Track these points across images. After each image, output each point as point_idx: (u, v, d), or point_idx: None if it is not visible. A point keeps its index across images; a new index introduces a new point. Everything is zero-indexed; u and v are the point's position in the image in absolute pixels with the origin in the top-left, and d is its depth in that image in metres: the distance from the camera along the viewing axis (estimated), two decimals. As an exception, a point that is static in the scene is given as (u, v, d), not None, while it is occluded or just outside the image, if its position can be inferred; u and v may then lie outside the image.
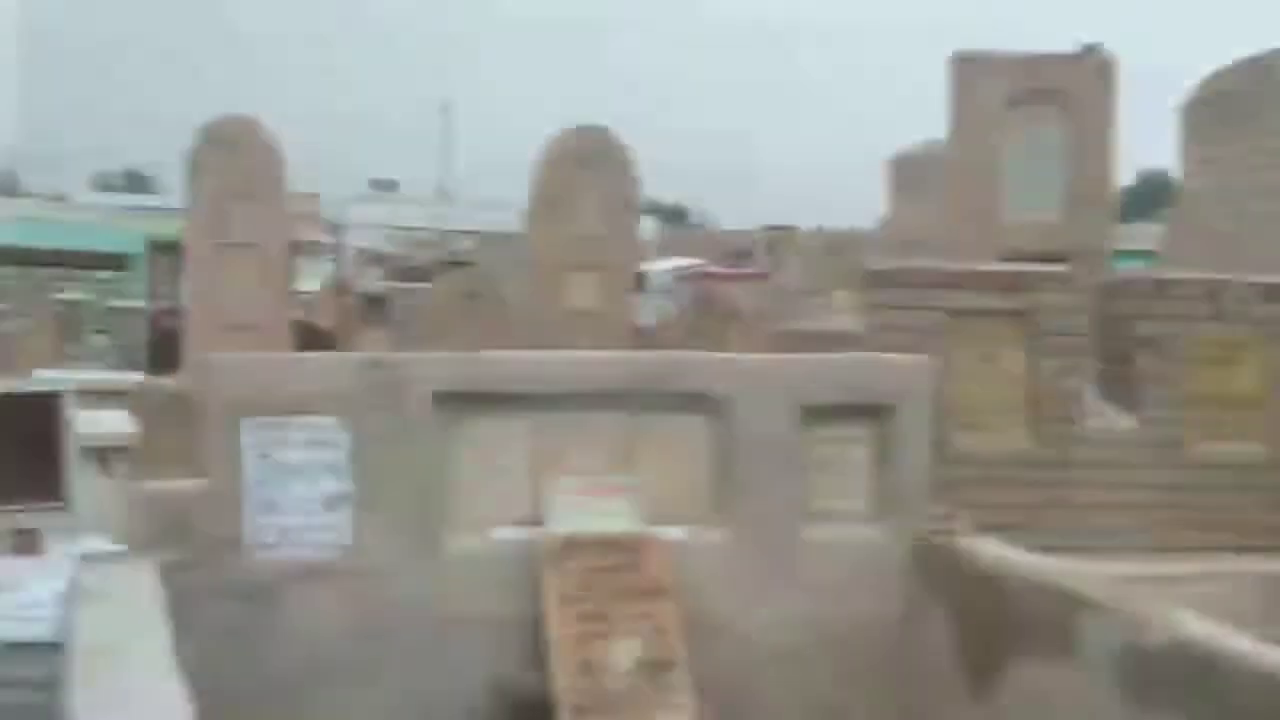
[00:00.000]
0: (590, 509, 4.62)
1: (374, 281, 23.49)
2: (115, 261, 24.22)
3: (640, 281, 18.42)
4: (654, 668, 4.48)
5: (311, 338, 16.40)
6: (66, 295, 23.87)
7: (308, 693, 4.36)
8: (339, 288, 20.25)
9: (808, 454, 4.83)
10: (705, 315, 16.57)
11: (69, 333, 19.80)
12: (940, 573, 4.75)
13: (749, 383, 4.77)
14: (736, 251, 25.94)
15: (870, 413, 4.88)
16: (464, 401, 4.58)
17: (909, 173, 15.73)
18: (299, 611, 4.38)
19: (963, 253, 9.29)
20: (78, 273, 25.97)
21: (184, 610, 4.04)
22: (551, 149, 14.65)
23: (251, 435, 4.42)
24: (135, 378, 12.07)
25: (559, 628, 4.46)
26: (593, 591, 4.52)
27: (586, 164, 14.53)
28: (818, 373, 4.86)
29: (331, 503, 4.49)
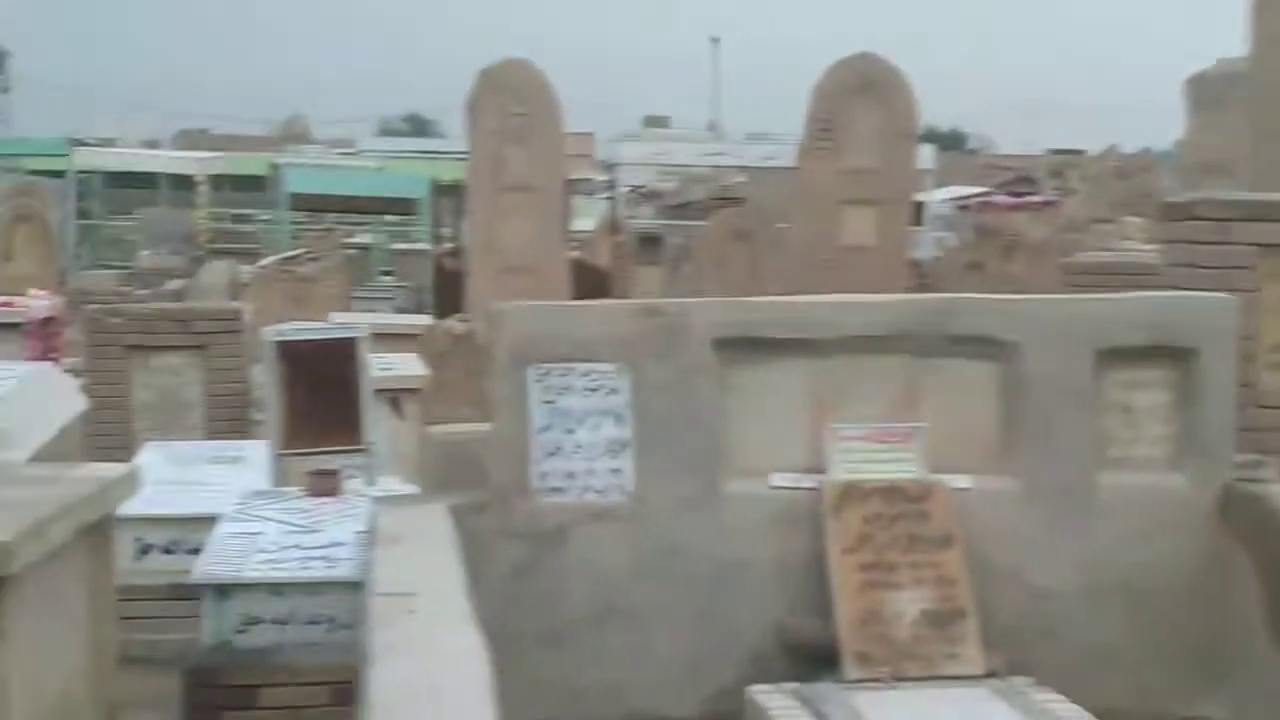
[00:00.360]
0: (872, 455, 4.54)
1: (647, 219, 23.69)
2: (401, 205, 25.08)
3: (918, 213, 18.04)
4: (941, 618, 4.39)
5: (587, 277, 16.66)
6: (355, 239, 24.91)
7: (594, 634, 4.43)
8: (613, 227, 20.49)
9: (1102, 398, 4.63)
10: (987, 247, 16.11)
11: (357, 276, 20.63)
12: (1247, 522, 4.50)
13: (1039, 325, 4.60)
14: (1019, 178, 25.11)
15: (1171, 355, 4.64)
16: (743, 346, 4.55)
17: (1208, 93, 14.87)
18: (585, 555, 4.45)
19: (1266, 177, 8.75)
20: (366, 217, 27.06)
21: (475, 552, 4.15)
22: (826, 79, 14.40)
23: (536, 382, 4.49)
24: (423, 320, 12.48)
25: (841, 576, 4.41)
26: (876, 540, 4.45)
27: (862, 93, 14.23)
28: (1114, 314, 4.65)
29: (614, 448, 4.53)
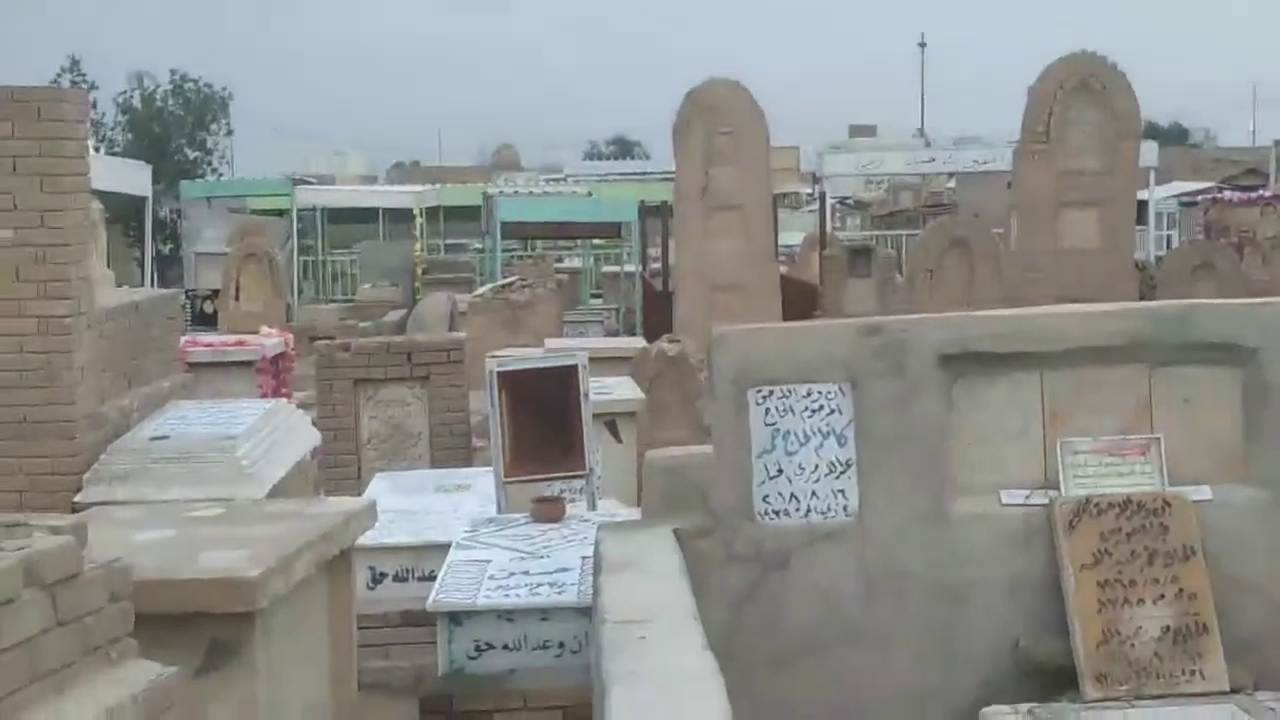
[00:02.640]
0: (1107, 469, 4.40)
1: (855, 231, 23.47)
2: (610, 229, 25.37)
3: (1141, 213, 17.47)
4: (1183, 634, 4.23)
5: (797, 293, 16.58)
6: (565, 264, 25.29)
7: (825, 656, 4.39)
8: (821, 240, 20.37)
9: (1352, 404, 4.40)
10: (1217, 246, 15.52)
11: (569, 300, 20.92)
12: None
13: (1280, 329, 4.40)
14: (1246, 171, 24.11)
15: None
16: (968, 362, 4.46)
17: None
18: (811, 577, 4.41)
19: None
20: (575, 242, 27.44)
21: (701, 576, 4.16)
22: (1043, 79, 14.08)
23: (757, 405, 4.47)
24: (636, 342, 12.59)
25: (1078, 594, 4.28)
26: (1114, 556, 4.30)
27: (1081, 94, 13.88)
28: (1361, 314, 4.42)
29: (837, 468, 4.49)
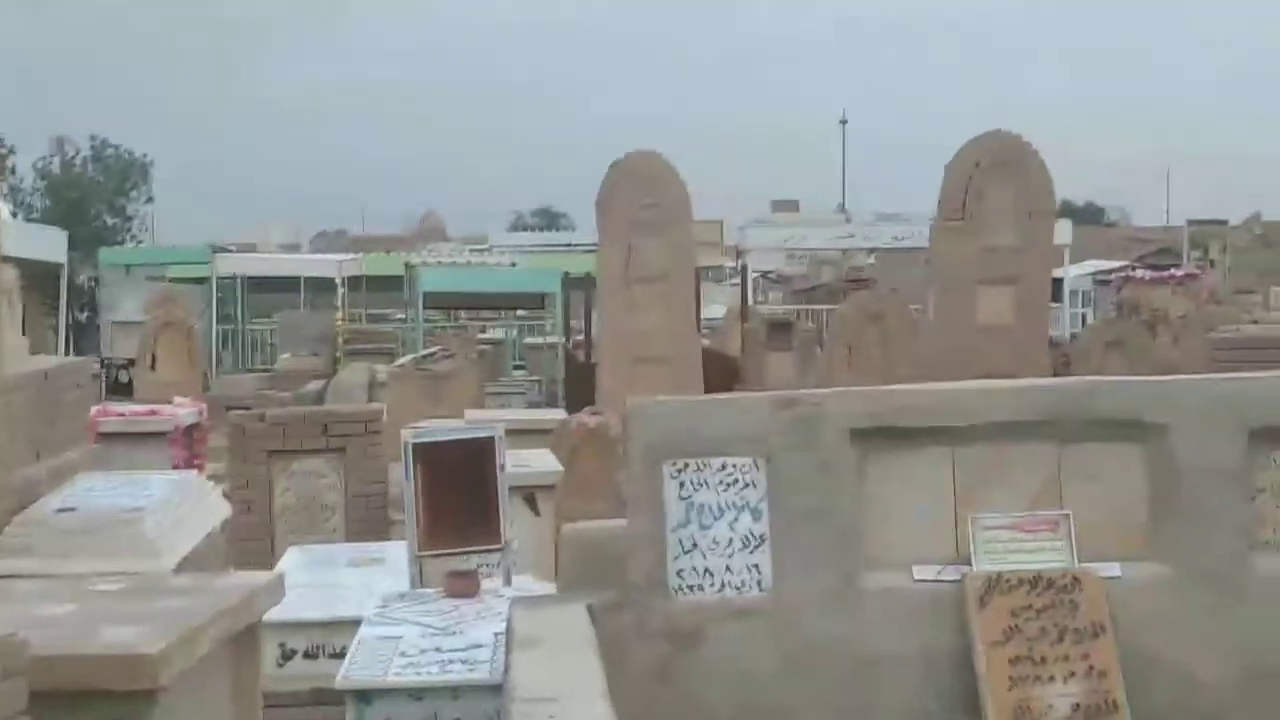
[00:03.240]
0: (1018, 545, 4.43)
1: (777, 305, 23.66)
2: (533, 300, 25.40)
3: (1055, 290, 17.76)
4: (1094, 712, 4.24)
5: (719, 366, 16.65)
6: (488, 334, 25.25)
7: (738, 734, 4.35)
8: (743, 314, 20.51)
9: (1255, 479, 4.47)
10: (1129, 323, 15.79)
11: (491, 371, 20.87)
12: None
13: (1188, 406, 4.46)
14: (1159, 250, 24.62)
15: (1327, 433, 4.47)
16: (881, 436, 4.48)
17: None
18: (725, 653, 4.38)
19: None
20: (499, 313, 27.44)
21: (614, 652, 4.12)
22: (958, 157, 14.32)
23: (672, 478, 4.46)
24: (556, 414, 12.56)
25: (989, 670, 4.29)
26: (1024, 632, 4.32)
27: (997, 171, 14.12)
28: (1267, 392, 4.50)
29: (750, 543, 4.48)
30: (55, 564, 5.70)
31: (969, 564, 4.42)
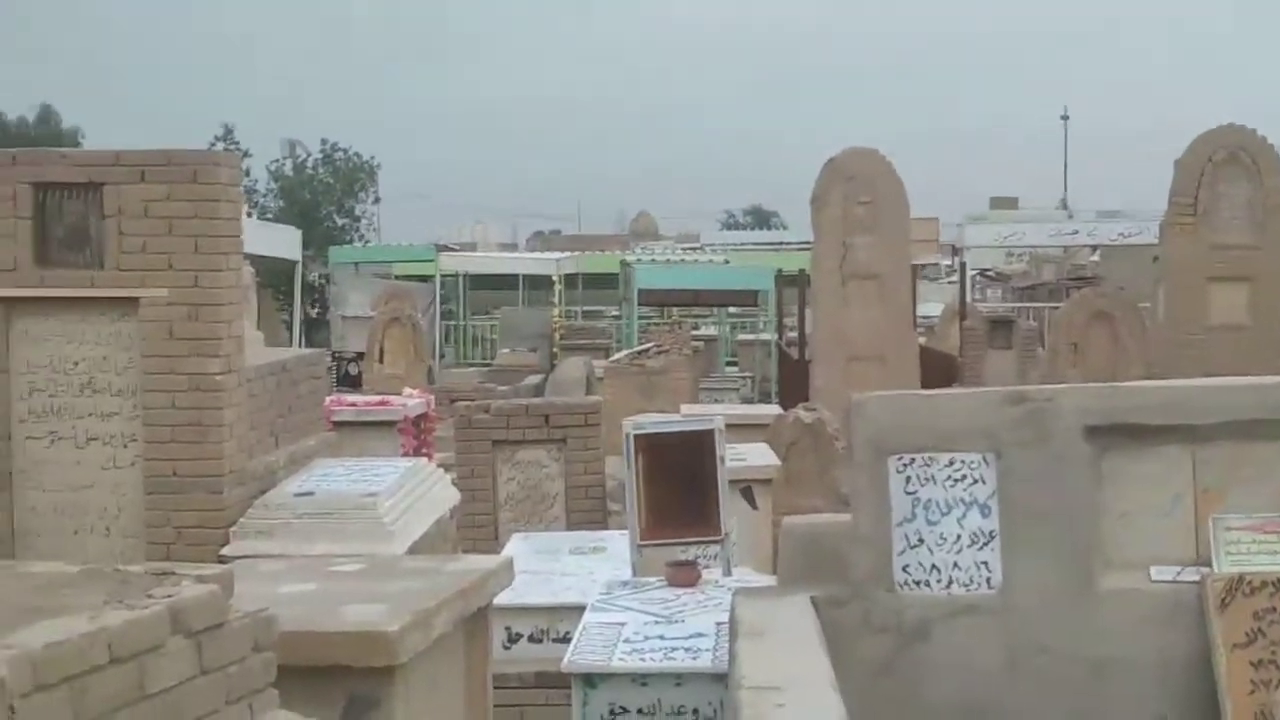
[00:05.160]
0: (1262, 547, 4.26)
1: (996, 303, 23.20)
2: (746, 297, 25.40)
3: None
4: (1342, 722, 4.06)
5: (935, 364, 16.40)
6: (701, 331, 25.34)
7: (963, 733, 4.29)
8: (961, 312, 20.16)
9: None
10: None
11: (704, 367, 20.93)
12: None
13: None
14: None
15: None
16: (1116, 434, 4.36)
17: None
18: (951, 650, 4.32)
19: None
20: (712, 310, 27.52)
21: (838, 645, 4.10)
22: (1190, 152, 13.83)
23: (898, 473, 4.42)
24: (772, 410, 12.54)
25: (1230, 675, 4.14)
26: (1268, 636, 4.15)
27: (1230, 166, 13.59)
28: None
29: (979, 540, 4.41)
30: (294, 546, 5.95)
31: (1209, 565, 4.28)
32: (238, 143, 35.90)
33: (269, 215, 34.14)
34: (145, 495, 6.56)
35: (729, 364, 25.00)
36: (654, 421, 6.56)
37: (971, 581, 4.38)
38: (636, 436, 5.97)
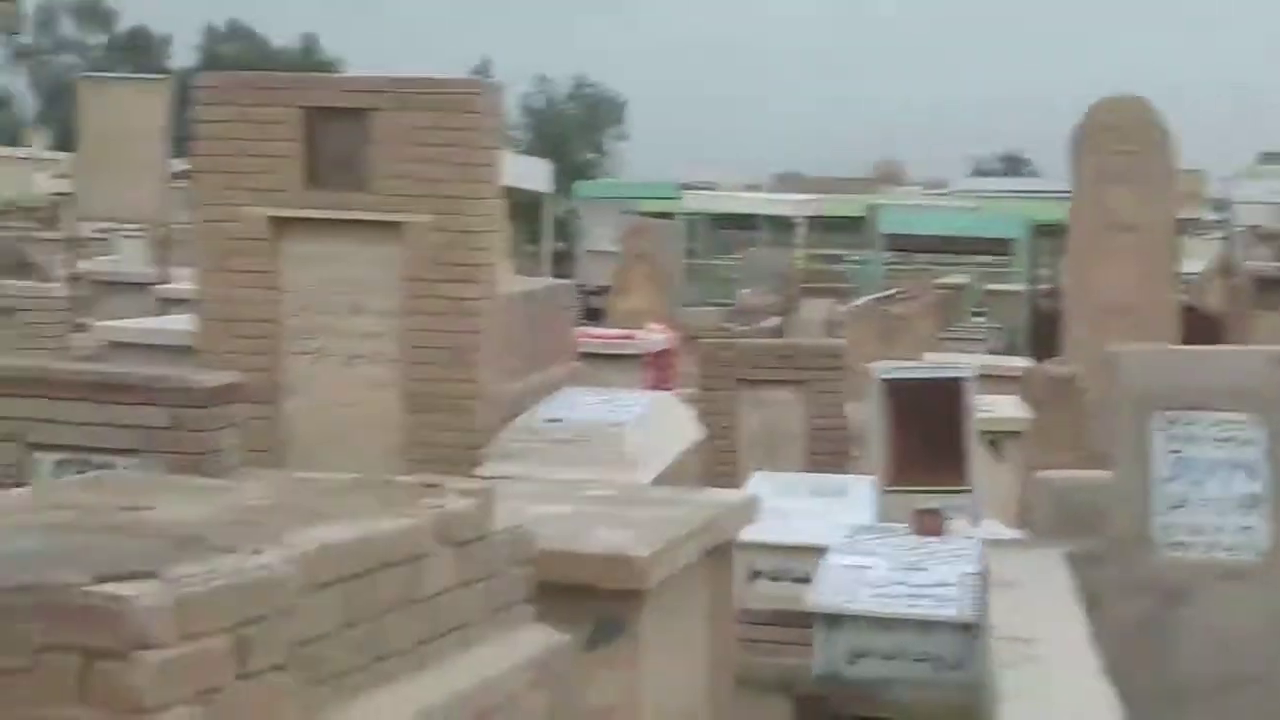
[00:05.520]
0: None
1: (1265, 262, 22.12)
2: (996, 246, 24.80)
3: None
4: None
5: (1197, 324, 15.73)
6: (948, 279, 24.85)
7: (1221, 700, 4.14)
8: (1226, 269, 19.27)
9: None
10: None
11: (949, 316, 20.53)
12: None
13: None
14: None
15: None
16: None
17: None
18: (1212, 615, 4.17)
19: None
20: (959, 258, 26.96)
21: (1091, 602, 3.99)
22: None
23: (1160, 430, 4.26)
24: (1022, 362, 12.23)
25: None
26: None
27: None
28: None
29: (1246, 503, 4.22)
30: (542, 470, 6.07)
31: None
32: (492, 76, 36.65)
33: (519, 148, 34.79)
34: (403, 414, 6.79)
35: (975, 314, 24.48)
36: (904, 367, 6.47)
37: (1236, 546, 4.21)
38: (886, 382, 5.89)
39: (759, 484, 7.17)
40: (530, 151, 33.27)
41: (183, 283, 10.55)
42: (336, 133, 6.92)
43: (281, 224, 6.92)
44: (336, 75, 7.25)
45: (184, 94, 13.44)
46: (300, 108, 6.85)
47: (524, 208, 26.03)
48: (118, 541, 2.40)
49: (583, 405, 6.81)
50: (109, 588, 1.95)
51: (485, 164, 6.89)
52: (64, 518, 2.67)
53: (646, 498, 4.65)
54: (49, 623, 1.92)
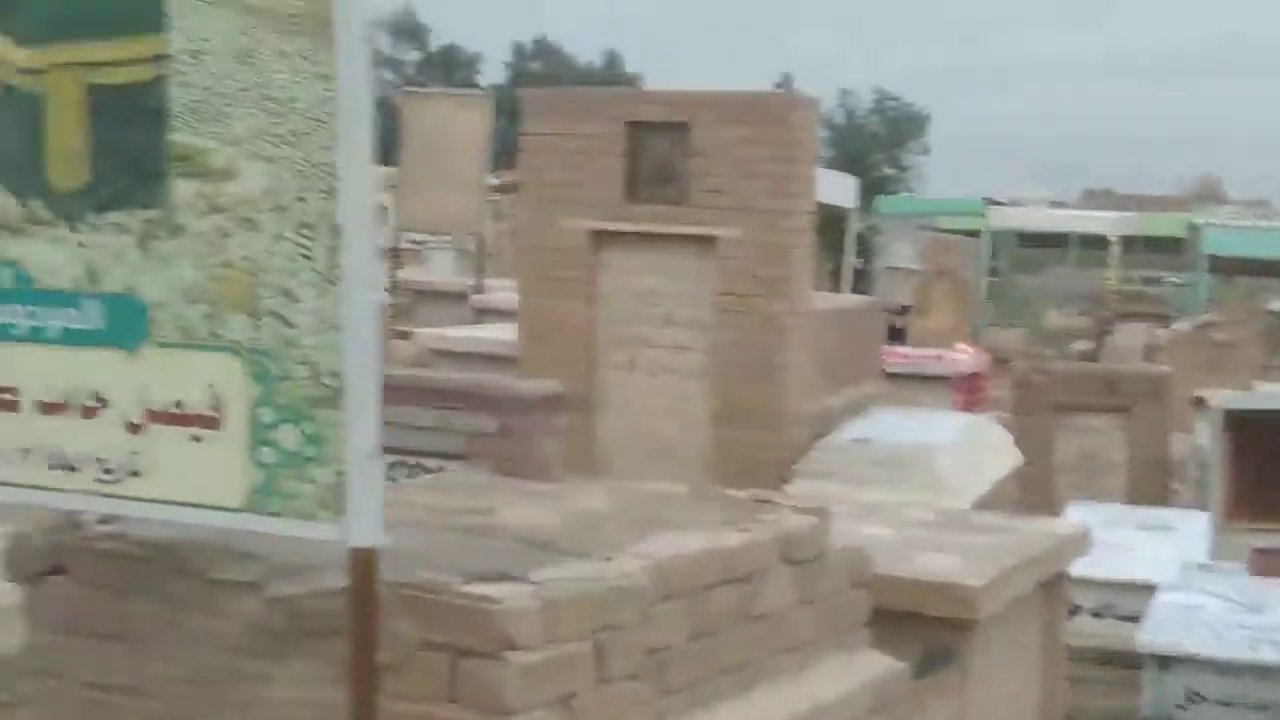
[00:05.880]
0: None
1: None
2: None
3: None
4: None
5: None
6: (1277, 305, 23.50)
7: None
8: None
9: None
10: None
11: (1278, 343, 19.41)
12: None
13: None
14: None
15: None
16: None
17: None
18: None
19: None
20: (1289, 281, 25.47)
21: None
22: None
23: None
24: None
25: None
26: None
27: None
28: None
29: None
30: (852, 490, 5.97)
31: None
32: (795, 90, 36.63)
33: (820, 163, 34.62)
34: (711, 427, 6.80)
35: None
36: (1249, 396, 6.12)
37: None
38: (1228, 412, 5.58)
39: (1078, 515, 6.89)
40: (831, 166, 33.07)
41: (497, 293, 10.86)
42: (657, 147, 7.00)
43: (601, 237, 7.04)
44: (658, 90, 7.36)
45: (498, 109, 13.87)
46: (623, 123, 6.96)
47: (826, 223, 25.84)
48: (474, 543, 2.44)
49: (893, 426, 6.69)
50: (480, 588, 1.97)
51: (801, 179, 6.86)
52: (415, 518, 2.75)
53: (971, 523, 4.51)
54: (424, 621, 1.95)
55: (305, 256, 2.08)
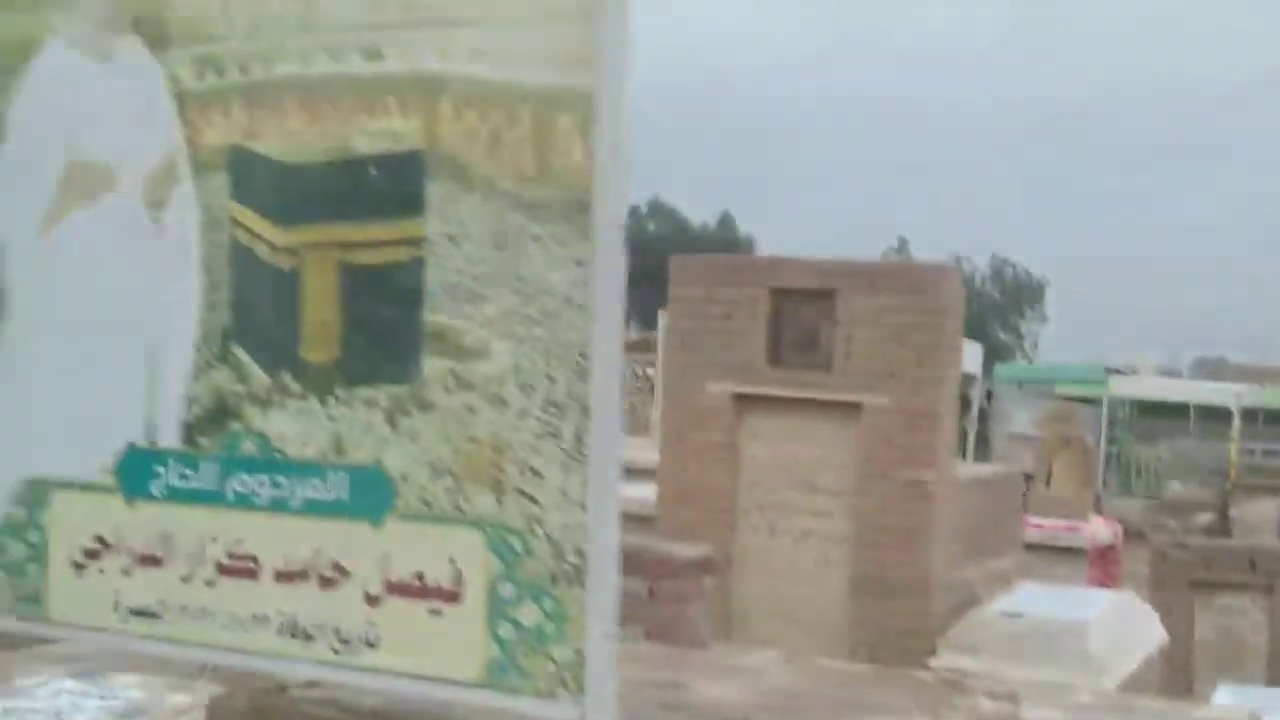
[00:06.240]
0: None
1: None
2: None
3: None
4: None
5: None
6: None
7: None
8: None
9: None
10: None
11: None
12: None
13: None
14: None
15: None
16: None
17: None
18: None
19: None
20: None
21: None
22: None
23: None
24: None
25: None
26: None
27: None
28: None
29: None
30: (1000, 665, 5.89)
31: None
32: (910, 256, 36.80)
33: (956, 332, 34.55)
34: (851, 594, 6.76)
35: None
36: None
37: None
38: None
39: (1227, 697, 6.72)
40: (950, 331, 33.01)
41: (629, 451, 10.93)
42: (802, 313, 7.10)
43: (744, 400, 7.12)
44: (804, 258, 7.49)
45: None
46: (768, 288, 7.07)
47: (950, 390, 25.68)
48: None
49: (1041, 600, 6.61)
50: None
51: (950, 347, 6.90)
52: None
53: (1141, 708, 4.43)
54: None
55: (552, 435, 2.14)
